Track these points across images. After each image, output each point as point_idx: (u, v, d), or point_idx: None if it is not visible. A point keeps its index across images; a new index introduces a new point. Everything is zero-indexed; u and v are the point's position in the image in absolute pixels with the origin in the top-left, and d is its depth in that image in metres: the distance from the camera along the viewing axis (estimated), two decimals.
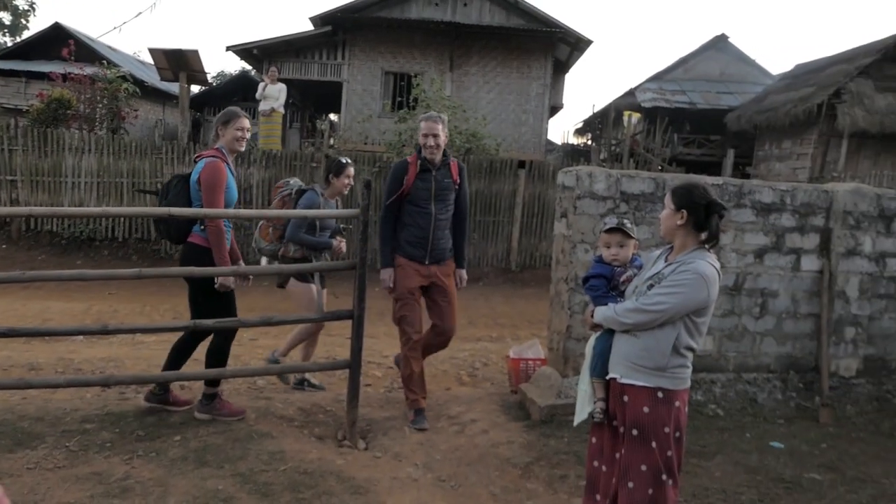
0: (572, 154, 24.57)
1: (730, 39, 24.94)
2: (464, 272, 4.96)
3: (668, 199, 2.94)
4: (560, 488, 3.89)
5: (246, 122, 4.49)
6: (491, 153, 13.59)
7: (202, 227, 4.33)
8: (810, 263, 5.43)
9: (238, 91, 24.46)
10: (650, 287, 2.90)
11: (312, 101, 23.76)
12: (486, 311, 9.89)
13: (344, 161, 5.25)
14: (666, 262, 2.96)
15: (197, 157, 4.48)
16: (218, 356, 4.51)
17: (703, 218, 2.86)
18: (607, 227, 3.20)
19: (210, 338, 4.56)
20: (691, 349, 2.90)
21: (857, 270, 5.46)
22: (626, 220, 3.19)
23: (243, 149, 4.60)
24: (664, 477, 2.86)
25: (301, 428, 4.55)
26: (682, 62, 24.85)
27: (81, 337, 6.93)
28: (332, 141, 18.26)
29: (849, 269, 5.44)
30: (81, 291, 9.39)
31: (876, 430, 5.03)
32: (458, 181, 4.82)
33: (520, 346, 5.82)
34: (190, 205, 4.31)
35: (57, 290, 9.38)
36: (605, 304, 3.06)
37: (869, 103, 16.69)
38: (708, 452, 4.41)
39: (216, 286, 4.30)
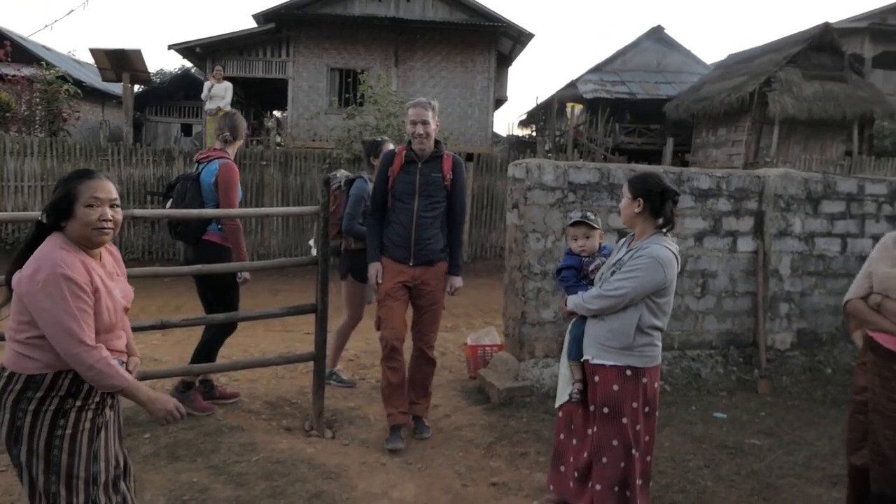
0: (518, 145, 24.93)
1: (666, 31, 25.59)
2: (457, 279, 4.44)
3: (625, 189, 3.18)
4: (521, 464, 4.11)
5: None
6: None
7: (220, 226, 4.50)
8: (746, 245, 5.78)
9: (181, 90, 24.05)
10: (613, 273, 3.14)
11: (257, 98, 23.54)
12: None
13: (379, 139, 5.26)
14: (628, 248, 3.19)
15: (203, 157, 4.64)
16: (208, 349, 4.70)
17: (658, 204, 3.10)
18: (572, 220, 3.47)
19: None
20: (656, 328, 3.13)
21: (788, 250, 5.83)
22: (589, 213, 3.46)
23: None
24: (633, 451, 3.11)
25: (269, 420, 4.67)
26: (621, 53, 25.38)
27: None
28: (278, 139, 18.19)
29: (781, 248, 5.81)
30: None
31: (809, 397, 5.41)
32: (451, 177, 4.31)
33: (476, 333, 6.03)
34: (203, 205, 4.46)
35: None
36: (576, 293, 3.30)
37: (797, 91, 17.42)
38: (657, 426, 4.70)
39: (239, 280, 4.55)
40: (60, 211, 2.35)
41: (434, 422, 4.70)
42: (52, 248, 2.30)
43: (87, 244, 2.39)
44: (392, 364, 4.36)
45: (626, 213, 3.20)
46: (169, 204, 4.64)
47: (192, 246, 4.61)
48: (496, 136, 25.72)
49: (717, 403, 5.20)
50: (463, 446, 4.35)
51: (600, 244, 3.51)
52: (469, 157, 13.13)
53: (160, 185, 11.41)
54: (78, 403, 2.36)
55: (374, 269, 4.37)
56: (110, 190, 2.41)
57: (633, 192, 3.14)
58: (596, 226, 3.45)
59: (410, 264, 4.29)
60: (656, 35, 25.46)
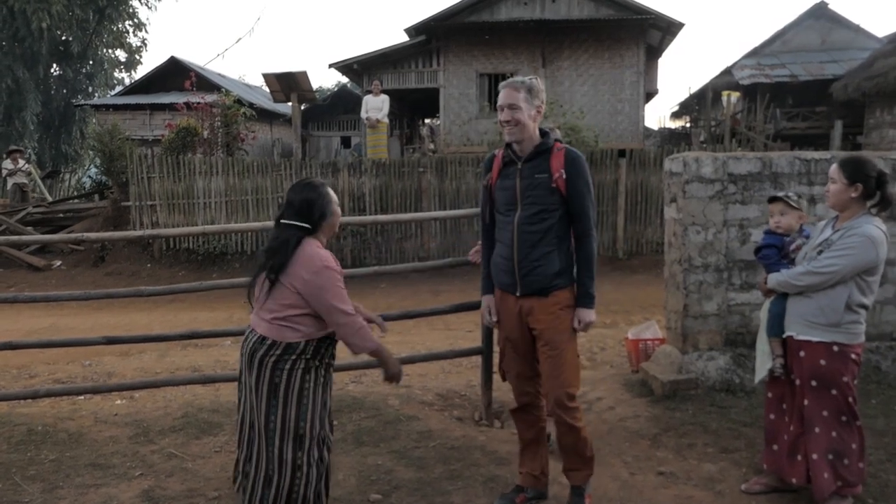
0: (670, 138, 24.22)
1: (830, 6, 23.91)
2: (587, 312, 3.41)
3: (837, 175, 3.30)
4: (689, 455, 4.15)
5: None
6: (590, 145, 13.77)
7: None
8: None
9: (339, 104, 25.53)
10: (819, 253, 3.29)
11: (410, 107, 24.45)
12: (598, 300, 10.04)
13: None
14: (833, 229, 3.34)
15: None
16: None
17: (873, 188, 3.24)
18: (769, 197, 3.66)
19: None
20: (863, 306, 3.27)
21: None
22: (790, 193, 3.62)
23: None
24: (844, 418, 3.29)
25: (441, 411, 4.99)
26: (780, 35, 23.96)
27: (229, 341, 7.67)
28: (432, 145, 18.84)
29: None
30: (221, 301, 10.22)
31: None
32: (564, 177, 3.24)
33: (637, 327, 6.07)
34: None
35: (199, 302, 10.29)
36: (778, 271, 3.46)
37: None
38: None
39: None
40: (324, 213, 3.02)
41: (598, 414, 4.82)
42: (313, 249, 2.97)
43: (333, 235, 3.15)
44: (521, 416, 3.65)
45: (841, 197, 3.30)
46: None
47: None
48: (647, 129, 25.14)
49: None
50: (628, 437, 4.44)
51: (801, 226, 3.61)
52: (621, 153, 13.03)
53: None
54: (316, 363, 3.03)
55: (485, 302, 3.65)
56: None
57: (849, 177, 3.26)
58: (794, 204, 3.58)
59: (518, 294, 3.39)
60: (819, 11, 23.81)
